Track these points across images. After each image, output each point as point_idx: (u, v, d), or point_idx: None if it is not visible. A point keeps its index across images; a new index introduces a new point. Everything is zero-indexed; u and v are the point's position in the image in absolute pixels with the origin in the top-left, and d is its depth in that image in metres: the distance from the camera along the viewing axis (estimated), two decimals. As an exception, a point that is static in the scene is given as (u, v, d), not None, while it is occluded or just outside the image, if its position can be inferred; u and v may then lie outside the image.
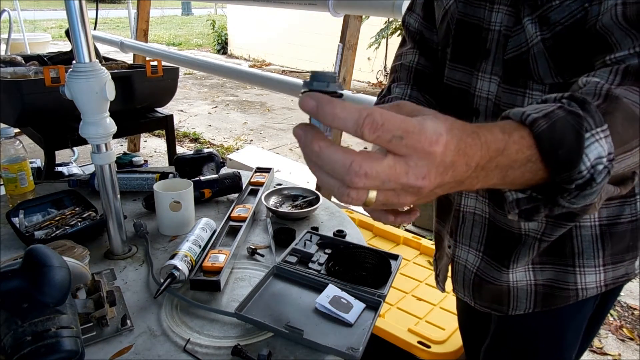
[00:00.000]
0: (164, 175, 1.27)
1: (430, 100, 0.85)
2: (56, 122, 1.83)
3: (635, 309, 2.21)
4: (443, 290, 1.02)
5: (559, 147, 0.41)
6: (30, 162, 1.47)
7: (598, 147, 0.42)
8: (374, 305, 0.83)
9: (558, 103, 0.44)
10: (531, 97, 0.72)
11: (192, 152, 1.36)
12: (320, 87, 0.38)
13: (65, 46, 7.82)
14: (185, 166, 1.32)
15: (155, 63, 1.97)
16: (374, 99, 1.00)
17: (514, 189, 0.46)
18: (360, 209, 0.58)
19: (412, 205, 0.51)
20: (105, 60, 2.35)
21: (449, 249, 0.94)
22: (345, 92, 1.70)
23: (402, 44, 0.95)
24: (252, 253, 1.01)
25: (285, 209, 1.22)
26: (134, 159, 2.96)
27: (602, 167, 0.42)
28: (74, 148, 3.22)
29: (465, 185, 0.42)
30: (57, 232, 1.03)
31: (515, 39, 0.71)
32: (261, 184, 1.30)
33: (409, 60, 0.89)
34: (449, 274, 0.94)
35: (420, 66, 0.88)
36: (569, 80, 0.68)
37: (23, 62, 2.05)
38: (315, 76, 0.39)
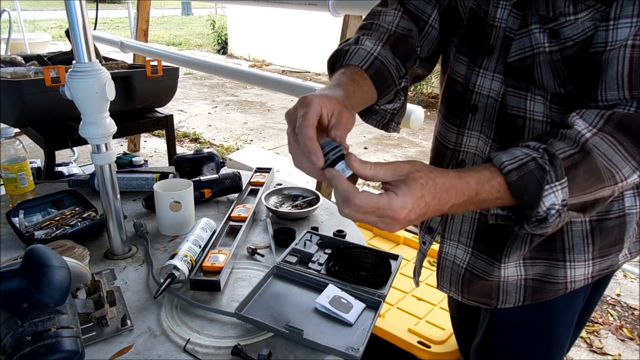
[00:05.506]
0: (164, 175, 1.27)
1: (399, 67, 0.77)
2: (56, 122, 1.83)
3: (635, 309, 2.21)
4: (417, 284, 1.02)
5: (524, 193, 0.59)
6: (30, 162, 1.47)
7: (553, 197, 0.58)
8: (374, 305, 0.83)
9: (535, 153, 0.59)
10: (533, 101, 0.72)
11: (192, 152, 1.36)
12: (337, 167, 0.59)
13: (65, 46, 7.82)
14: (185, 166, 1.32)
15: (155, 63, 1.97)
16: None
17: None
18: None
19: None
20: (105, 60, 2.35)
21: (423, 245, 0.94)
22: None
23: (383, 3, 0.86)
24: (252, 253, 1.01)
25: (285, 209, 1.22)
26: (134, 159, 2.96)
27: (554, 212, 0.58)
28: (74, 148, 3.22)
29: (446, 213, 0.60)
30: (57, 232, 1.03)
31: (520, 42, 0.70)
32: (261, 184, 1.30)
33: (387, 21, 0.81)
34: (435, 270, 0.94)
35: (400, 29, 0.80)
36: (571, 92, 0.68)
37: (23, 62, 2.05)
38: (333, 162, 0.59)
